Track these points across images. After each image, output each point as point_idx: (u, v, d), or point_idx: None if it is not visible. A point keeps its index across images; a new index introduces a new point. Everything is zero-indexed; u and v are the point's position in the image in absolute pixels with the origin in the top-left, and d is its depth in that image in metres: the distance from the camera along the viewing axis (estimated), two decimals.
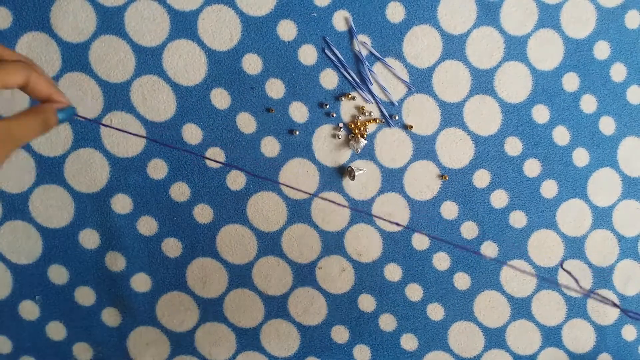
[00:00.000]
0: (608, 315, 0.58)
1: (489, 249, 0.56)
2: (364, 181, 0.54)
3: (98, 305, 0.57)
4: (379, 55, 0.52)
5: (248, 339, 0.57)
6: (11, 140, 0.39)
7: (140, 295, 0.56)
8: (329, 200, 0.44)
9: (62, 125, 0.53)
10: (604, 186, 0.56)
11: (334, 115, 0.53)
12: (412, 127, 0.54)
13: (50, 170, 0.54)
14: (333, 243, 0.56)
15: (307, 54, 0.52)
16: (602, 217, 0.56)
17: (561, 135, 0.54)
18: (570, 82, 0.54)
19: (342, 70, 0.52)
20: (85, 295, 0.56)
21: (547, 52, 0.53)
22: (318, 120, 0.53)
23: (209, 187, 0.54)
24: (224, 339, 0.57)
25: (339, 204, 0.52)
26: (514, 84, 0.53)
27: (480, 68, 0.53)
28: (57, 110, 0.42)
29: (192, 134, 0.53)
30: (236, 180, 0.54)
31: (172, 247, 0.55)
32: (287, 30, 0.52)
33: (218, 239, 0.55)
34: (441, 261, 0.56)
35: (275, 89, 0.53)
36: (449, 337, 0.58)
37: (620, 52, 0.54)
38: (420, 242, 0.56)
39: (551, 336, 0.58)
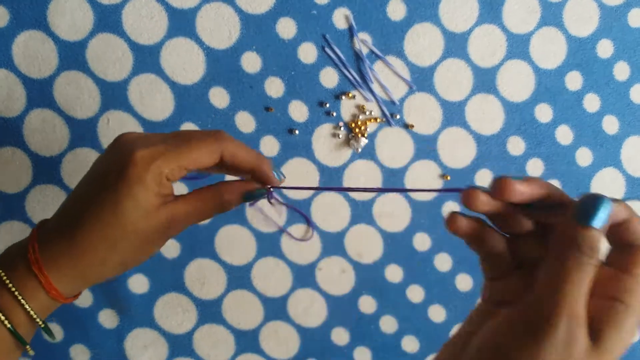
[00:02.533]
0: None
1: None
2: (365, 181, 0.54)
3: (95, 307, 0.56)
4: (380, 54, 0.52)
5: (247, 340, 0.57)
6: (177, 226, 0.34)
7: (137, 297, 0.56)
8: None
9: (58, 124, 0.52)
10: (607, 186, 0.55)
11: (334, 114, 0.53)
12: (413, 126, 0.53)
13: (46, 170, 0.53)
14: (333, 244, 0.55)
15: (307, 52, 0.52)
16: None
17: (564, 135, 0.54)
18: (573, 80, 0.53)
19: (343, 69, 0.52)
20: (82, 297, 0.56)
21: (549, 50, 0.53)
22: (318, 120, 0.53)
23: None
24: (223, 341, 0.57)
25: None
26: (517, 82, 0.53)
27: (482, 66, 0.52)
28: (245, 193, 0.35)
29: None
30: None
31: (170, 248, 0.55)
32: (286, 28, 0.51)
33: (217, 240, 0.55)
34: (443, 262, 0.56)
35: (274, 87, 0.52)
36: None
37: (623, 51, 0.53)
38: (421, 242, 0.55)
39: None
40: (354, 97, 0.52)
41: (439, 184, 0.54)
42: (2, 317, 0.33)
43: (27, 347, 0.35)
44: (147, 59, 0.51)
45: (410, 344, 0.57)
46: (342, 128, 0.53)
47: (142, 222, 0.33)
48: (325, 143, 0.53)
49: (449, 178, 0.54)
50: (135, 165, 0.32)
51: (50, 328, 0.36)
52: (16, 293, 0.33)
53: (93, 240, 0.33)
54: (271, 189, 0.36)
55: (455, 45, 0.52)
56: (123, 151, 0.34)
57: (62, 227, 0.34)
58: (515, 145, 0.54)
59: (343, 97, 0.52)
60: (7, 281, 0.33)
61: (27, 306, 0.33)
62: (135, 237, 0.33)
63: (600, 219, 0.25)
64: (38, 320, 0.34)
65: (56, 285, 0.34)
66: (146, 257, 0.35)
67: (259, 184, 0.36)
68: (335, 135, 0.53)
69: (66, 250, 0.34)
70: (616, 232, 0.26)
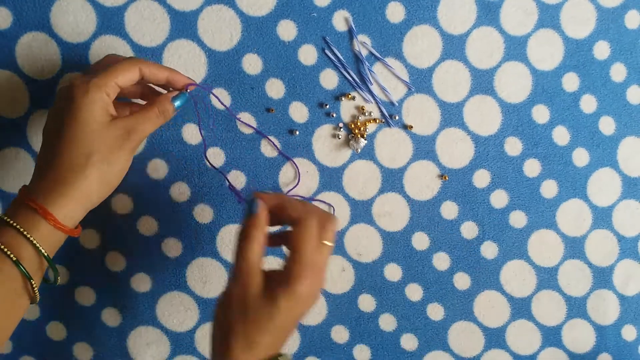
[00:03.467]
0: (608, 315, 0.58)
1: (489, 249, 0.56)
2: (364, 181, 0.54)
3: (98, 305, 0.57)
4: (379, 55, 0.52)
5: None
6: (134, 134, 0.41)
7: (140, 295, 0.56)
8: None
9: None
10: (603, 186, 0.56)
11: (334, 115, 0.53)
12: (412, 127, 0.54)
13: None
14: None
15: (307, 54, 0.52)
16: (602, 217, 0.56)
17: (561, 135, 0.55)
18: (570, 82, 0.54)
19: (342, 70, 0.52)
20: (85, 295, 0.56)
21: (547, 52, 0.53)
22: (318, 120, 0.53)
23: (209, 187, 0.54)
24: None
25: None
26: (514, 84, 0.53)
27: (480, 68, 0.53)
28: (172, 99, 0.44)
29: (192, 134, 0.53)
30: (236, 180, 0.54)
31: (172, 247, 0.55)
32: (287, 30, 0.52)
33: (218, 239, 0.55)
34: (441, 261, 0.56)
35: (275, 89, 0.53)
36: (449, 337, 0.58)
37: (620, 52, 0.54)
38: (420, 242, 0.56)
39: (551, 336, 0.58)
40: (353, 98, 0.53)
41: (437, 184, 0.55)
42: (5, 249, 0.37)
43: (32, 281, 0.38)
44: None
45: (409, 341, 0.58)
46: (341, 129, 0.54)
47: (101, 130, 0.40)
48: (325, 143, 0.54)
49: (447, 178, 0.54)
50: (77, 87, 0.40)
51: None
52: (16, 225, 0.38)
53: (66, 161, 0.40)
54: (188, 90, 0.45)
55: (454, 47, 0.53)
56: (65, 88, 0.41)
57: (41, 166, 0.41)
58: (513, 146, 0.54)
59: (343, 99, 0.53)
60: (7, 218, 0.38)
61: (26, 233, 0.38)
62: (101, 145, 0.40)
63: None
64: (41, 248, 0.38)
65: (51, 211, 0.39)
66: (119, 169, 0.41)
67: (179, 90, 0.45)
68: (335, 136, 0.54)
69: (51, 178, 0.39)
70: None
